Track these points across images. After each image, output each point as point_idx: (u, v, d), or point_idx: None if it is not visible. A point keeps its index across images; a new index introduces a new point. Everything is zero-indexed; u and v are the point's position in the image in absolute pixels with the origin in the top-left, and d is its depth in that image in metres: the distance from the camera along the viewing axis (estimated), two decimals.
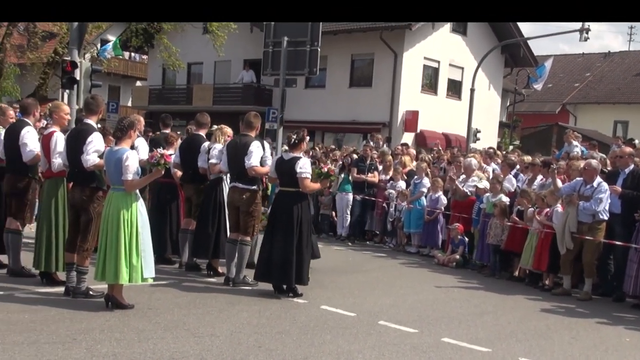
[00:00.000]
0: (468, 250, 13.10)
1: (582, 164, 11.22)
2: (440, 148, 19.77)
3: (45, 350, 6.03)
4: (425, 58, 31.24)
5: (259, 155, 9.25)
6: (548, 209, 11.11)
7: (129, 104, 43.19)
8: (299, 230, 8.90)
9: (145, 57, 42.61)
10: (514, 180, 13.04)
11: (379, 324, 7.97)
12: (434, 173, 15.06)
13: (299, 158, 8.95)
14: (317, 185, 9.23)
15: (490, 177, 13.39)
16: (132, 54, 45.01)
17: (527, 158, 14.31)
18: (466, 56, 32.57)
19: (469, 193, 13.24)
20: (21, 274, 8.92)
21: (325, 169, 9.21)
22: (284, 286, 9.07)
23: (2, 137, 9.15)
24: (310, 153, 17.30)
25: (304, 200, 9.10)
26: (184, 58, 30.48)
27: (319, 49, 20.33)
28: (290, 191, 8.95)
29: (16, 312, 7.20)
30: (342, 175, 15.64)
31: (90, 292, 8.02)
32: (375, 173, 15.44)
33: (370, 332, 7.58)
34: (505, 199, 12.27)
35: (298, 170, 8.78)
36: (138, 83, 45.45)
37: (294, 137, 9.14)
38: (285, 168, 8.95)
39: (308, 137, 21.65)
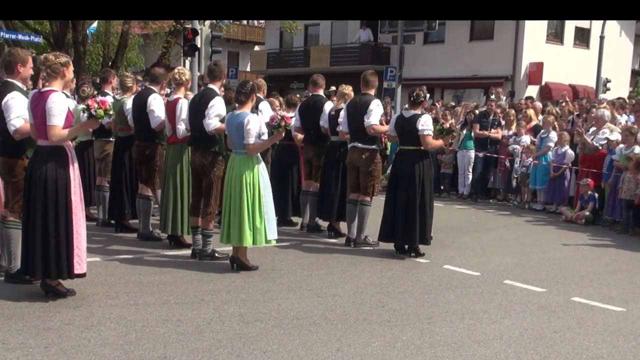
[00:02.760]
0: (599, 206, 12.54)
1: None
2: (568, 100, 18.95)
3: (175, 310, 6.23)
4: None
5: (379, 114, 9.13)
6: None
7: (248, 68, 43.92)
8: (421, 190, 8.76)
9: (262, 21, 43.05)
10: None
11: (504, 283, 7.77)
12: (562, 126, 14.45)
13: (420, 115, 8.74)
14: (439, 142, 9.05)
15: (623, 128, 12.72)
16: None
17: None
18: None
19: (599, 147, 12.63)
20: (151, 238, 9.25)
21: (447, 125, 9.00)
22: (406, 246, 8.99)
23: (130, 107, 9.45)
24: (432, 110, 17.01)
25: (426, 159, 8.91)
26: (300, 20, 30.53)
27: None
28: (411, 149, 8.77)
29: (147, 274, 7.47)
30: (464, 132, 15.29)
31: (216, 255, 8.22)
32: (499, 129, 14.97)
33: (495, 291, 7.40)
34: (639, 150, 11.63)
35: (420, 127, 8.59)
36: (256, 48, 46.05)
37: (414, 94, 8.90)
38: (407, 126, 8.77)
39: (428, 95, 21.44)
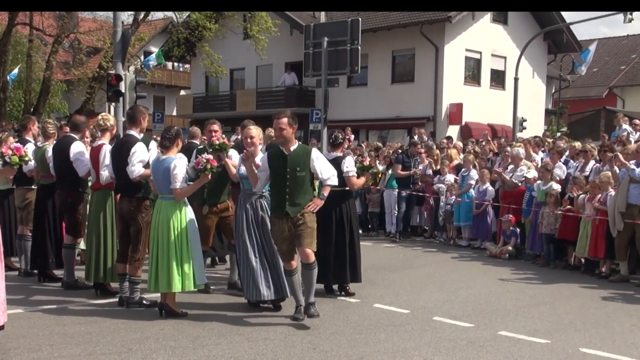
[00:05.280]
0: (520, 241, 12.89)
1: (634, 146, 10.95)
2: (490, 139, 19.51)
3: None
4: (466, 50, 30.92)
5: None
6: (600, 195, 10.87)
7: (174, 113, 43.68)
8: (349, 229, 8.96)
9: (187, 66, 43.02)
10: (564, 167, 12.80)
11: (433, 320, 7.88)
12: (481, 165, 14.87)
13: (342, 157, 8.93)
14: (362, 181, 9.23)
15: (539, 165, 13.16)
16: (175, 64, 45.48)
17: (578, 144, 14.00)
18: (508, 45, 32.11)
19: (518, 183, 13.03)
20: (76, 287, 9.04)
21: (367, 162, 9.18)
22: (335, 286, 9.04)
23: (51, 154, 9.30)
24: (357, 151, 17.24)
25: (351, 198, 9.23)
26: (226, 64, 30.60)
27: (359, 47, 20.28)
28: (337, 191, 8.72)
29: (72, 325, 7.29)
30: (390, 172, 15.55)
31: (144, 302, 8.09)
32: (417, 169, 15.32)
33: (425, 328, 7.50)
34: (557, 187, 12.04)
35: (345, 169, 8.74)
36: (182, 92, 45.90)
37: (333, 137, 9.19)
38: None
39: (353, 136, 21.66)
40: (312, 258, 7.41)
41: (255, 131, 8.03)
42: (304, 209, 7.43)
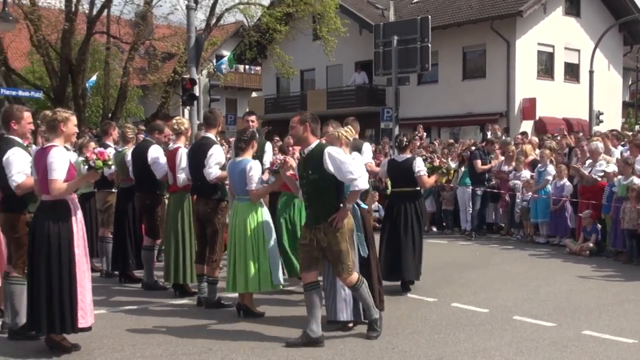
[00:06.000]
0: (601, 237, 12.53)
1: None
2: (566, 133, 19.07)
3: None
4: (539, 44, 30.38)
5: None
6: None
7: None
8: (418, 227, 9.28)
9: (259, 68, 43.45)
10: None
11: (513, 319, 7.72)
12: (558, 160, 14.53)
13: (413, 158, 9.30)
14: (433, 180, 9.55)
15: (618, 159, 12.77)
16: (247, 67, 45.98)
17: None
18: (582, 38, 31.37)
19: (597, 179, 12.67)
20: (155, 287, 9.23)
21: (437, 163, 9.51)
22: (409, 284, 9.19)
23: (130, 158, 9.51)
24: (430, 149, 17.13)
25: (421, 197, 9.60)
26: (296, 65, 30.87)
27: (429, 45, 20.15)
28: (407, 191, 9.26)
29: (153, 325, 7.42)
30: (462, 169, 15.38)
31: (222, 302, 8.18)
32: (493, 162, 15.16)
33: (505, 327, 7.35)
34: (638, 181, 11.66)
35: (416, 169, 9.10)
36: (253, 94, 46.39)
37: (398, 141, 9.55)
38: (400, 169, 9.27)
39: (425, 134, 21.50)
40: (353, 281, 6.71)
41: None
42: (330, 226, 6.57)
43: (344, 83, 35.46)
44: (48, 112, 6.51)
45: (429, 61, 20.37)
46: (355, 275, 6.73)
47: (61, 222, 6.19)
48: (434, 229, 16.16)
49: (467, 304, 8.43)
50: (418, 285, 9.33)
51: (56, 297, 6.13)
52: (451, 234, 15.61)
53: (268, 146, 9.42)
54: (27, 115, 6.87)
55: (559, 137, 17.23)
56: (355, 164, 6.71)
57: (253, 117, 9.30)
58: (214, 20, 27.44)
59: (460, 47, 31.26)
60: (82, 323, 6.26)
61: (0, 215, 6.81)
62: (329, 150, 6.59)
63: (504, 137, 18.30)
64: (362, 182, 6.61)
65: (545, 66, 31.20)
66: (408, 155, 9.40)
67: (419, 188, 9.38)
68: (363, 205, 7.48)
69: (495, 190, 14.92)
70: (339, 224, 6.52)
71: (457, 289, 9.44)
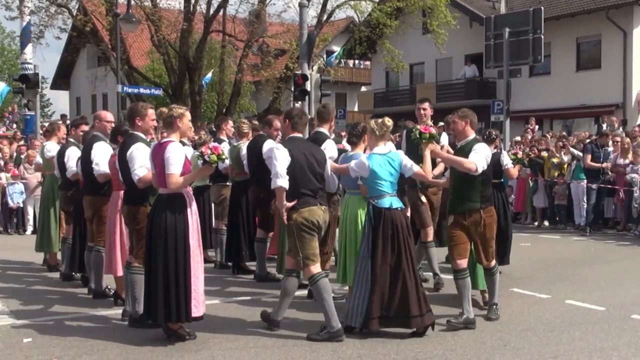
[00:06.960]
0: None
1: None
2: None
3: (294, 352, 6.25)
4: None
5: None
6: None
7: (356, 108, 44.48)
8: (505, 217, 9.39)
9: (368, 63, 43.59)
10: None
11: (632, 318, 7.45)
12: None
13: (500, 153, 9.68)
14: (516, 171, 10.22)
15: None
16: (356, 61, 46.21)
17: None
18: None
19: None
20: (267, 279, 9.44)
21: (520, 155, 10.65)
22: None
23: (245, 152, 9.74)
24: (542, 142, 16.84)
25: (504, 190, 9.97)
26: (406, 60, 30.82)
27: (542, 37, 19.74)
28: (494, 183, 8.91)
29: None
30: (575, 163, 15.04)
31: (334, 295, 8.28)
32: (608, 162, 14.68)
33: (623, 327, 7.09)
34: None
35: (504, 163, 9.51)
36: (363, 88, 46.54)
37: (486, 134, 9.30)
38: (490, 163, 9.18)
39: (537, 126, 21.14)
40: (490, 266, 7.31)
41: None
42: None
43: (454, 76, 35.09)
44: (164, 109, 6.74)
45: (542, 53, 19.95)
46: (493, 262, 7.33)
47: (177, 214, 6.40)
48: (546, 224, 15.84)
49: (582, 302, 8.18)
50: (530, 282, 9.19)
51: (172, 286, 6.33)
52: (564, 229, 15.28)
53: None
54: (151, 112, 7.21)
55: None
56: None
57: (426, 105, 9.03)
58: (325, 17, 27.80)
59: (574, 37, 30.30)
60: (194, 312, 6.43)
61: (124, 208, 7.17)
62: (480, 145, 7.27)
63: (618, 130, 17.70)
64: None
65: None
66: (493, 149, 9.18)
67: (502, 180, 9.76)
68: None
69: (609, 186, 14.49)
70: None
71: (571, 285, 9.20)
